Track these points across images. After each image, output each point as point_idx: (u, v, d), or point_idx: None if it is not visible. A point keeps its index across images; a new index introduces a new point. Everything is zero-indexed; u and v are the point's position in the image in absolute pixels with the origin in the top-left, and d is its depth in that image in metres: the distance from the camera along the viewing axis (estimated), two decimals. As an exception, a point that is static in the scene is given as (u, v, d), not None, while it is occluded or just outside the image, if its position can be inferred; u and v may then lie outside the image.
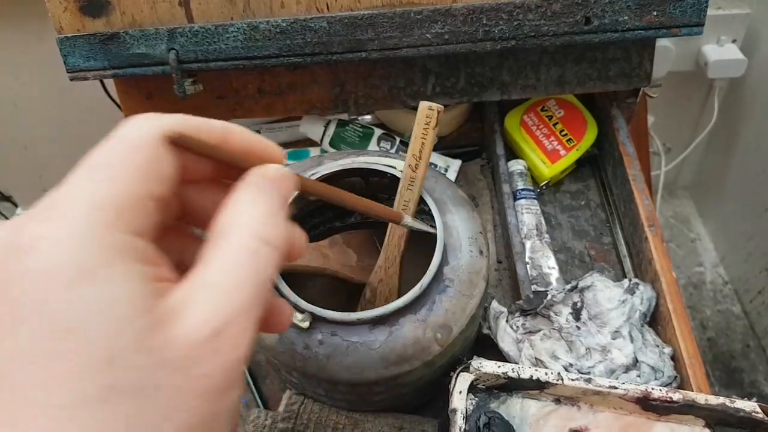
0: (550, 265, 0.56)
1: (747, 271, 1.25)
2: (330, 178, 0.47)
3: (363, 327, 0.40)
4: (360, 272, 0.47)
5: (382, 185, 0.52)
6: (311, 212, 0.53)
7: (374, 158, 0.47)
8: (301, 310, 0.40)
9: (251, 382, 0.52)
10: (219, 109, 0.59)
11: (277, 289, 0.41)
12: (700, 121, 1.26)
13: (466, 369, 0.41)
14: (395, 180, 0.50)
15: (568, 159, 0.61)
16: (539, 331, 0.49)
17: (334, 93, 0.58)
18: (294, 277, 0.42)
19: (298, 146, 0.66)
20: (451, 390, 0.41)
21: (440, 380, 0.46)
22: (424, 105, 0.39)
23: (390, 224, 0.44)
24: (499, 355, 0.51)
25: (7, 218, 1.72)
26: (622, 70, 0.58)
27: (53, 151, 1.37)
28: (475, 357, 0.43)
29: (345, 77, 0.57)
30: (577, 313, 0.50)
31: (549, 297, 0.50)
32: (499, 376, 0.42)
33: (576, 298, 0.51)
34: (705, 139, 1.19)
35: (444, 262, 0.42)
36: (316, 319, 0.40)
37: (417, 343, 0.40)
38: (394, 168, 0.46)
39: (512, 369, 0.42)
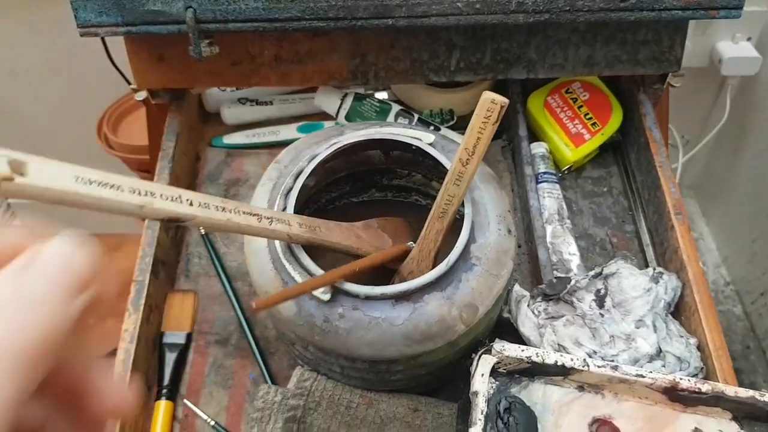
0: (570, 252, 0.54)
1: (750, 273, 1.24)
2: (349, 150, 0.45)
3: (386, 302, 0.38)
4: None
5: (403, 160, 0.50)
6: (327, 185, 0.50)
7: (399, 129, 0.45)
8: (322, 283, 0.38)
9: (260, 358, 0.50)
10: (233, 76, 0.56)
11: (295, 257, 0.39)
12: (710, 118, 1.25)
13: (488, 351, 0.39)
14: (418, 155, 0.48)
15: (592, 143, 0.59)
16: (562, 316, 0.47)
17: (353, 64, 0.56)
18: (318, 253, 0.40)
19: (312, 119, 0.64)
20: (472, 372, 0.40)
21: (459, 363, 0.45)
22: (487, 96, 0.37)
23: (430, 216, 0.41)
24: (518, 341, 0.50)
25: None
26: (652, 54, 0.56)
27: (51, 122, 1.34)
28: (497, 340, 0.41)
29: (366, 48, 0.55)
30: (600, 300, 0.48)
31: (572, 282, 0.48)
32: (522, 360, 0.40)
33: (600, 284, 0.49)
34: (714, 138, 1.17)
35: (471, 239, 0.40)
36: (337, 292, 0.38)
37: (441, 322, 0.38)
38: (420, 140, 0.44)
39: (536, 353, 0.40)
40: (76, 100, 1.26)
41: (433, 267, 0.41)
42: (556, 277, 0.48)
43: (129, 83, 0.91)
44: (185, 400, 0.48)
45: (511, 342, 0.51)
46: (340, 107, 0.60)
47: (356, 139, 0.44)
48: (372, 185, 0.52)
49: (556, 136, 0.59)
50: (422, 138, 0.44)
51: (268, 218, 0.37)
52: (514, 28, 0.54)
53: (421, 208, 0.52)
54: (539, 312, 0.48)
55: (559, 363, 0.40)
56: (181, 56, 0.55)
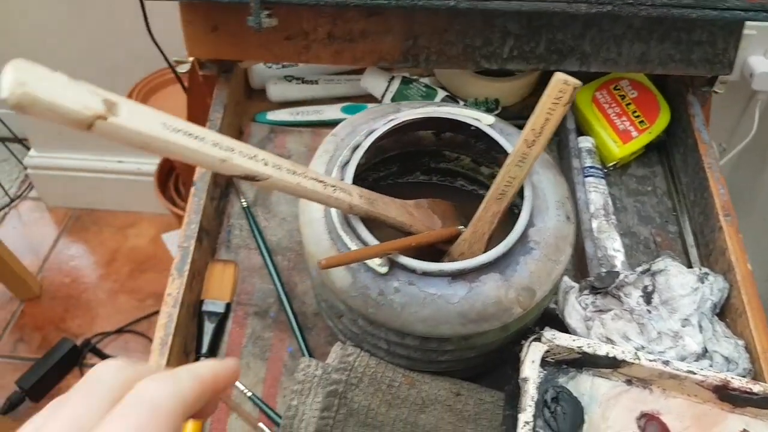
0: (615, 248, 0.54)
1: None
2: (402, 129, 0.45)
3: (443, 279, 0.38)
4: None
5: (454, 143, 0.49)
6: (376, 164, 0.50)
7: (456, 109, 0.45)
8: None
9: (298, 332, 0.49)
10: (285, 51, 0.56)
11: (352, 229, 0.39)
12: (736, 133, 1.24)
13: (538, 339, 0.39)
14: (471, 137, 0.48)
15: (639, 141, 0.58)
16: (610, 310, 0.47)
17: (406, 46, 0.55)
18: (374, 226, 0.40)
19: (356, 101, 0.63)
20: (522, 358, 0.39)
21: (505, 350, 0.44)
22: (559, 77, 0.36)
23: (486, 198, 0.41)
24: (563, 332, 0.49)
25: (19, 161, 1.68)
26: (705, 55, 0.56)
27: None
28: (547, 328, 0.41)
29: (420, 30, 0.55)
30: (648, 297, 0.48)
31: (621, 277, 0.48)
32: (572, 350, 0.40)
33: (647, 281, 0.48)
34: (738, 153, 1.17)
35: (530, 223, 0.40)
36: (394, 265, 0.38)
37: (498, 303, 0.38)
38: (479, 121, 0.44)
39: (587, 344, 0.40)
40: (105, 72, 1.26)
41: (486, 250, 0.41)
42: (605, 271, 0.48)
43: (166, 58, 0.91)
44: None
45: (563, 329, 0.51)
46: (386, 90, 0.60)
47: (415, 116, 0.44)
48: (418, 167, 0.52)
49: (603, 131, 0.59)
50: (481, 119, 0.44)
51: (332, 186, 0.37)
52: (570, 20, 0.54)
53: (466, 194, 0.52)
54: (586, 305, 0.47)
55: (610, 355, 0.40)
56: (235, 27, 0.55)
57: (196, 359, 0.48)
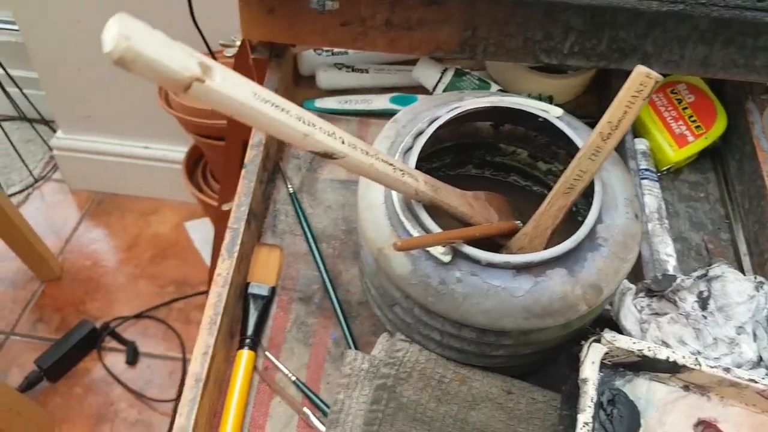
0: (668, 252, 0.53)
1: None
2: (461, 119, 0.44)
3: (507, 272, 0.37)
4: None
5: (513, 136, 0.48)
6: (429, 155, 0.49)
7: (522, 100, 0.44)
8: (443, 243, 0.37)
9: (343, 320, 0.49)
10: (341, 37, 0.55)
11: (414, 215, 0.38)
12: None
13: (598, 340, 0.38)
14: (532, 130, 0.47)
15: (695, 146, 0.57)
16: (666, 314, 0.45)
17: (464, 36, 0.55)
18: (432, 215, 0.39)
19: (405, 92, 0.63)
20: (582, 359, 0.38)
21: (563, 348, 0.43)
22: (641, 69, 0.35)
23: (553, 191, 0.40)
24: (617, 331, 0.48)
25: (45, 142, 1.69)
26: (768, 62, 0.55)
27: (106, 78, 1.34)
28: (606, 330, 0.40)
29: (480, 20, 0.54)
30: (704, 302, 0.46)
31: (677, 281, 0.46)
32: (631, 352, 0.39)
33: (703, 286, 0.47)
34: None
35: (598, 219, 0.39)
36: (457, 255, 0.37)
37: (564, 299, 0.37)
38: (547, 112, 0.43)
39: (648, 347, 0.39)
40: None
41: (547, 247, 0.40)
42: (661, 274, 0.47)
43: (206, 42, 0.90)
44: (267, 353, 0.47)
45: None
46: (438, 81, 0.59)
47: (480, 105, 0.43)
48: (472, 160, 0.51)
49: (659, 134, 0.58)
50: (549, 110, 0.43)
51: (401, 170, 0.36)
52: (634, 18, 0.53)
53: (519, 189, 0.51)
54: (642, 307, 0.46)
55: (670, 359, 0.39)
56: (291, 11, 0.54)
57: (241, 342, 0.47)
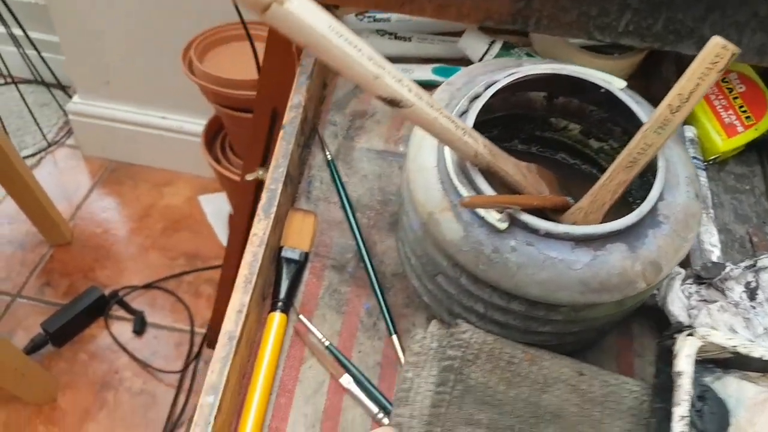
0: (712, 243, 0.51)
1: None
2: (512, 88, 0.42)
3: (565, 243, 0.36)
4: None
5: (568, 110, 0.47)
6: (476, 125, 0.48)
7: (583, 69, 0.42)
8: (500, 210, 0.36)
9: (378, 291, 0.47)
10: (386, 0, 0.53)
11: (468, 179, 0.37)
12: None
13: (692, 334, 0.37)
14: (589, 104, 0.45)
15: (745, 137, 0.55)
16: (715, 301, 0.44)
17: (517, 6, 0.53)
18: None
19: (449, 63, 0.61)
20: (676, 352, 0.37)
21: (611, 328, 0.42)
22: (717, 40, 0.33)
23: (614, 165, 0.38)
24: (656, 319, 0.47)
25: (60, 106, 1.67)
26: (827, 54, 0.53)
27: (128, 44, 1.32)
28: (699, 325, 0.38)
29: (534, -8, 0.52)
30: (752, 293, 0.45)
31: (726, 270, 0.45)
32: (724, 349, 0.37)
33: (750, 277, 0.46)
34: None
35: (660, 196, 0.37)
36: (513, 223, 0.36)
37: (623, 275, 0.36)
38: (610, 83, 0.41)
39: (743, 344, 0.37)
40: (154, 23, 1.25)
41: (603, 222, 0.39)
42: (711, 262, 0.45)
43: (238, 10, 0.89)
44: (301, 316, 0.46)
45: (647, 320, 0.48)
46: (485, 53, 0.57)
47: (540, 72, 0.41)
48: (519, 134, 0.49)
49: (708, 123, 0.56)
50: (612, 82, 0.41)
51: (462, 129, 0.34)
52: (693, 0, 0.51)
53: (565, 168, 0.49)
54: (690, 294, 0.45)
55: (764, 358, 0.37)
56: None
57: (273, 305, 0.46)
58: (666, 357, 0.38)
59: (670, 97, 0.36)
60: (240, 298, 0.42)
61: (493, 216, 0.36)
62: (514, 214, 0.35)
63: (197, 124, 1.42)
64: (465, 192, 0.37)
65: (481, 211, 0.36)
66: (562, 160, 0.50)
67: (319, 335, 0.45)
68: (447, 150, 0.38)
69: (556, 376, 0.39)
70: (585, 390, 0.38)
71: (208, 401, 0.37)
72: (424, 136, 0.40)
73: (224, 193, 1.41)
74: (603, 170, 0.48)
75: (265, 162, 0.83)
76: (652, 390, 0.38)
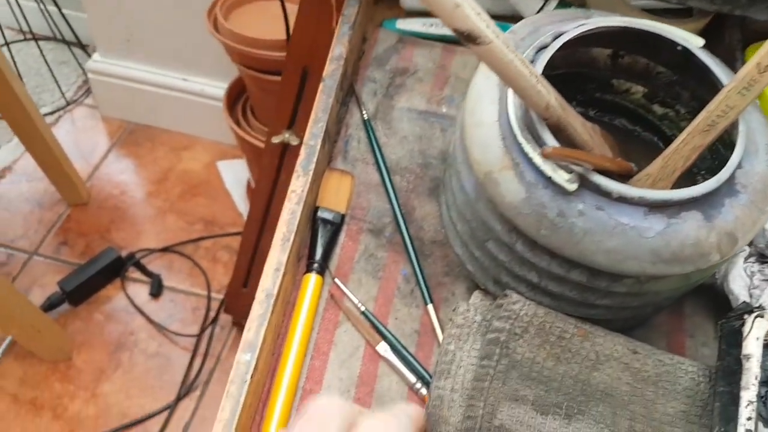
0: (774, 220, 0.48)
1: None
2: (576, 43, 0.39)
3: (638, 209, 0.33)
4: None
5: (632, 71, 0.43)
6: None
7: (659, 24, 0.39)
8: (569, 170, 0.33)
9: (414, 258, 0.45)
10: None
11: (534, 136, 0.34)
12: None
13: (761, 316, 0.34)
14: (657, 63, 0.42)
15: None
16: (781, 282, 0.41)
17: (576, -38, 0.49)
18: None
19: (498, 20, 0.57)
20: (745, 335, 0.34)
21: (662, 306, 0.39)
22: None
23: (689, 128, 0.35)
24: (710, 298, 0.44)
25: (80, 65, 1.65)
26: None
27: (151, 1, 1.29)
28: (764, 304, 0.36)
29: (596, -54, 0.48)
30: (818, 276, 0.42)
31: (793, 249, 0.42)
32: None
33: (817, 259, 0.43)
34: None
35: (738, 164, 0.34)
36: (583, 184, 0.33)
37: (697, 245, 0.33)
38: (687, 41, 0.38)
39: None
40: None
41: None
42: (778, 239, 0.42)
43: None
44: (336, 279, 0.43)
45: (702, 299, 0.45)
46: (540, 11, 0.54)
47: (613, 24, 0.38)
48: (577, 95, 0.46)
49: (772, 94, 0.52)
50: (689, 39, 0.38)
51: (536, 77, 0.31)
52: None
53: (625, 135, 0.46)
54: (753, 272, 0.42)
55: None
56: None
57: (309, 266, 0.43)
58: (731, 338, 0.36)
59: (760, 56, 0.33)
60: (277, 256, 0.39)
61: (562, 176, 0.33)
62: (586, 174, 0.32)
63: (218, 88, 1.39)
64: (531, 150, 0.34)
65: (548, 170, 0.33)
66: (621, 126, 0.46)
67: (355, 300, 0.42)
68: (511, 103, 0.35)
69: (608, 353, 0.36)
70: (638, 369, 0.36)
71: (244, 359, 0.35)
72: (484, 88, 0.37)
73: (243, 160, 1.39)
74: (666, 138, 0.45)
75: (292, 125, 0.80)
76: (716, 373, 0.35)
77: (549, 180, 0.33)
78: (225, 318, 1.21)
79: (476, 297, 0.41)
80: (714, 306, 0.45)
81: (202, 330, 1.19)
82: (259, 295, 0.37)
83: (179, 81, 1.44)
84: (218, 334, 1.19)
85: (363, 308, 0.42)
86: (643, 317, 0.41)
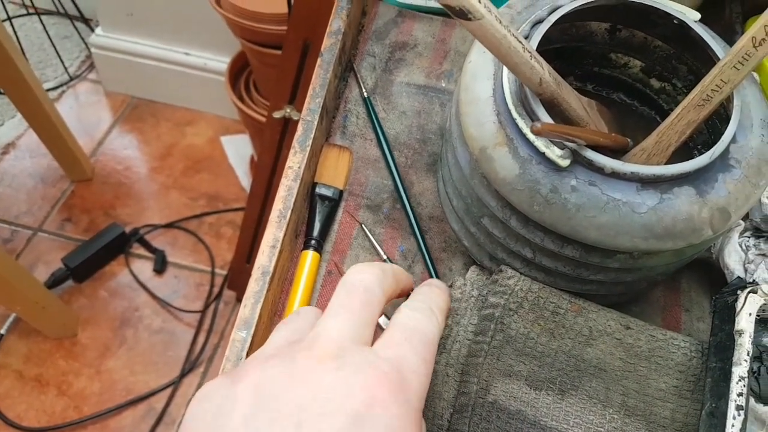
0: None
1: None
2: (572, 17, 0.39)
3: (630, 184, 0.33)
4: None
5: (630, 45, 0.43)
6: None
7: (655, -1, 0.38)
8: (562, 146, 0.33)
9: (418, 232, 0.45)
10: None
11: (528, 111, 0.34)
12: None
13: (755, 291, 0.34)
14: (655, 37, 0.42)
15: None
16: (777, 257, 0.41)
17: (577, -67, 0.48)
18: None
19: (497, -4, 0.57)
20: (738, 310, 0.34)
21: (656, 281, 0.39)
22: None
23: (683, 103, 0.35)
24: (706, 273, 0.44)
25: (83, 39, 1.64)
26: None
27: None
28: (764, 281, 0.36)
29: None
30: (814, 251, 0.42)
31: (789, 224, 0.42)
32: None
33: (812, 234, 0.43)
34: None
35: (732, 139, 0.34)
36: (575, 160, 0.33)
37: (689, 221, 0.33)
38: (683, 14, 0.38)
39: None
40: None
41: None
42: (774, 214, 0.42)
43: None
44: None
45: (695, 273, 0.46)
46: (538, -15, 0.53)
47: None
48: (574, 70, 0.46)
49: (775, 67, 0.52)
50: (686, 13, 0.38)
51: (529, 52, 0.31)
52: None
53: (622, 109, 0.46)
54: (748, 247, 0.42)
55: None
56: None
57: (306, 243, 0.44)
58: (724, 314, 0.36)
59: (755, 29, 0.32)
60: (273, 233, 0.40)
61: (554, 151, 0.33)
62: (579, 150, 0.32)
63: (221, 62, 1.39)
64: (524, 125, 0.34)
65: (541, 146, 0.33)
66: (619, 100, 0.46)
67: (354, 274, 0.43)
68: (505, 79, 0.35)
69: (601, 328, 0.36)
70: (631, 344, 0.36)
71: (240, 336, 0.36)
72: (479, 63, 0.37)
73: (246, 135, 1.39)
74: (662, 112, 0.45)
75: (293, 99, 0.80)
76: (709, 348, 0.36)
77: (542, 156, 0.33)
78: (229, 294, 1.22)
79: (473, 272, 0.41)
80: (710, 280, 0.45)
81: (206, 306, 1.20)
82: (256, 272, 0.38)
83: (182, 55, 1.44)
84: (222, 310, 1.20)
85: (360, 283, 0.43)
86: (638, 292, 0.42)
